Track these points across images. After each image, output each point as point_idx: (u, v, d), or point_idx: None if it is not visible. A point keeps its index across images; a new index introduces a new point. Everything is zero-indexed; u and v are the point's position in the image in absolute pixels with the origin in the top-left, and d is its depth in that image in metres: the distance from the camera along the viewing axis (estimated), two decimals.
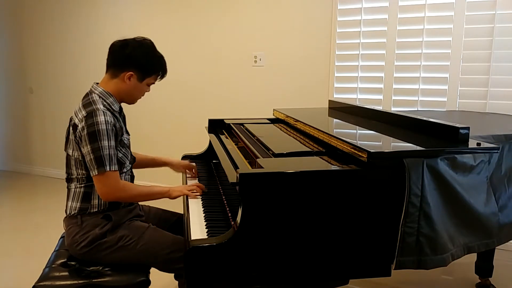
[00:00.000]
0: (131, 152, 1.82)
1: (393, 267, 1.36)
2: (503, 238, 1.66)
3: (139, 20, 3.85)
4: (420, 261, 1.35)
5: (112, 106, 1.67)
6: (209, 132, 2.24)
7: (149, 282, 1.60)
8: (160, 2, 3.75)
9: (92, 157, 1.55)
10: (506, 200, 1.65)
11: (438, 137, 1.56)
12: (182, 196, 1.84)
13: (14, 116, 4.70)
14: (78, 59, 4.18)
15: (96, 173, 1.55)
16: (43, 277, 1.55)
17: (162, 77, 1.76)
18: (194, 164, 2.15)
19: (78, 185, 1.65)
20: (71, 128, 1.64)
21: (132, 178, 1.83)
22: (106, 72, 1.71)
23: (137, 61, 1.65)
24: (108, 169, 1.55)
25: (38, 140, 4.60)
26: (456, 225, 1.43)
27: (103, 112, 1.58)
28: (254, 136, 1.88)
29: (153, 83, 1.75)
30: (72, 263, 1.64)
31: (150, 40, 1.72)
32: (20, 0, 4.38)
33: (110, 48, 1.69)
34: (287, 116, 2.18)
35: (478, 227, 1.51)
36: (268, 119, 2.40)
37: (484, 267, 2.23)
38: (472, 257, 2.13)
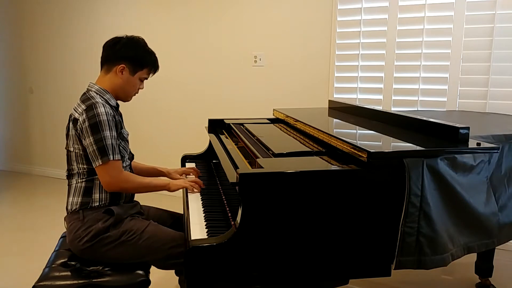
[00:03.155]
0: (130, 149, 1.84)
1: (393, 267, 1.36)
2: (503, 238, 1.66)
3: (139, 21, 3.86)
4: (420, 261, 1.35)
5: (109, 102, 1.71)
6: (209, 132, 2.24)
7: (149, 282, 1.60)
8: (160, 3, 3.75)
9: (95, 147, 1.58)
10: (506, 200, 1.65)
11: (438, 137, 1.56)
12: (182, 196, 1.85)
13: (14, 116, 4.70)
14: (78, 59, 4.18)
15: (100, 163, 1.58)
16: (43, 277, 1.55)
17: (155, 71, 1.80)
18: (190, 169, 2.07)
19: (79, 180, 1.66)
20: (71, 124, 1.67)
21: None
22: (101, 70, 1.76)
23: (128, 54, 1.70)
24: (111, 158, 1.59)
25: (38, 140, 4.60)
26: (456, 225, 1.43)
27: (103, 104, 1.62)
28: (254, 136, 1.88)
29: (146, 78, 1.78)
30: (72, 263, 1.64)
31: (141, 37, 1.77)
32: (20, 0, 4.38)
33: (103, 47, 1.75)
34: (287, 116, 2.18)
35: (478, 227, 1.51)
36: (268, 119, 2.40)
37: (484, 267, 2.23)
38: (472, 257, 2.13)
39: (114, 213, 1.63)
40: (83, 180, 1.66)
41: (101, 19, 4.03)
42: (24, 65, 4.52)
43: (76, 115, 1.64)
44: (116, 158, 1.61)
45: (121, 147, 1.70)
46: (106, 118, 1.60)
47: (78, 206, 1.65)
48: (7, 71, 4.63)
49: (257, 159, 1.46)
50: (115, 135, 1.64)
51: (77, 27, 4.16)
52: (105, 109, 1.61)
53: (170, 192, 1.81)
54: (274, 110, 2.42)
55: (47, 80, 4.42)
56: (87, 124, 1.58)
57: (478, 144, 1.45)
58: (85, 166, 1.65)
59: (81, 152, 1.64)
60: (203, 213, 1.62)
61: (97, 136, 1.58)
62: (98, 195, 1.66)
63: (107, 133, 1.59)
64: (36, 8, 4.32)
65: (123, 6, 3.91)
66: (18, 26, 4.46)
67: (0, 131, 4.80)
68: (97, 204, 1.65)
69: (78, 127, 1.61)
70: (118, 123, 1.69)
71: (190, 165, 2.29)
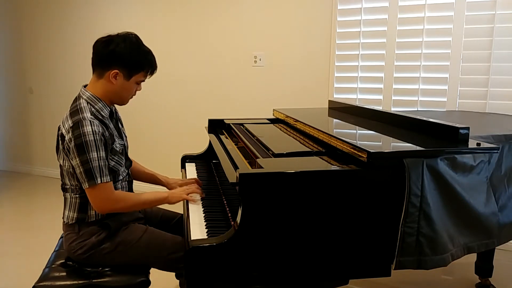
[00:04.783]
0: (127, 156, 1.76)
1: (393, 267, 1.36)
2: (503, 238, 1.67)
3: (139, 20, 3.85)
4: (420, 261, 1.35)
5: (101, 112, 1.60)
6: (209, 132, 2.24)
7: (149, 282, 1.60)
8: (160, 2, 3.75)
9: (81, 170, 1.49)
10: (506, 200, 1.66)
11: (438, 137, 1.56)
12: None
13: (14, 116, 4.70)
14: (78, 59, 4.18)
15: (87, 186, 1.50)
16: (43, 277, 1.55)
17: (152, 73, 1.66)
18: (192, 180, 1.94)
19: (73, 195, 1.61)
20: (59, 138, 1.58)
21: (130, 184, 1.78)
22: (93, 72, 1.63)
23: (121, 58, 1.56)
24: (99, 182, 1.50)
25: (38, 140, 4.60)
26: (456, 225, 1.43)
27: (90, 121, 1.50)
28: (254, 136, 1.88)
29: (143, 80, 1.65)
30: (72, 263, 1.63)
31: (135, 34, 1.62)
32: (20, 0, 4.38)
33: (93, 46, 1.61)
34: (287, 116, 2.18)
35: (478, 227, 1.51)
36: (268, 119, 2.40)
37: (484, 267, 2.23)
38: (472, 257, 2.13)
39: (110, 227, 1.60)
40: (77, 195, 1.60)
41: (101, 19, 4.03)
42: (24, 65, 4.51)
43: (64, 131, 1.54)
44: (105, 181, 1.51)
45: (113, 162, 1.61)
46: (93, 138, 1.48)
47: (74, 221, 1.61)
48: (7, 71, 4.63)
49: (257, 159, 1.46)
50: (104, 155, 1.52)
51: (77, 27, 4.16)
52: (92, 128, 1.49)
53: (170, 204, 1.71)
54: (274, 110, 2.42)
55: (47, 80, 4.42)
56: (73, 144, 1.48)
57: (478, 144, 1.45)
58: (77, 183, 1.58)
59: (71, 170, 1.56)
60: (203, 213, 1.62)
61: (83, 158, 1.48)
62: (94, 211, 1.60)
63: (94, 154, 1.48)
64: (36, 8, 4.32)
65: (123, 6, 3.91)
66: (18, 26, 4.46)
67: (0, 131, 4.80)
68: (93, 219, 1.61)
69: (65, 145, 1.53)
70: (108, 139, 1.56)
71: (190, 165, 2.29)
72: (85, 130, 1.48)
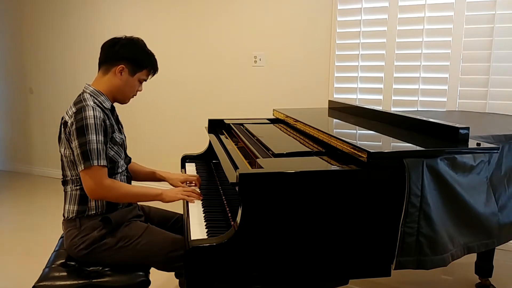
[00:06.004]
0: (126, 152, 1.80)
1: (393, 267, 1.36)
2: (503, 238, 1.67)
3: (139, 21, 3.86)
4: (420, 261, 1.35)
5: (103, 104, 1.66)
6: (209, 132, 2.24)
7: (149, 282, 1.60)
8: (160, 3, 3.75)
9: (79, 151, 1.53)
10: (506, 200, 1.66)
11: (438, 137, 1.56)
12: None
13: (14, 116, 4.70)
14: (78, 59, 4.18)
15: (83, 168, 1.52)
16: (43, 277, 1.55)
17: (154, 73, 1.77)
18: (193, 177, 1.95)
19: (73, 187, 1.63)
20: (62, 127, 1.63)
21: (128, 179, 1.80)
22: (98, 70, 1.72)
23: (128, 55, 1.67)
24: (95, 164, 1.52)
25: (38, 140, 4.60)
26: (456, 225, 1.43)
27: (93, 107, 1.57)
28: (254, 136, 1.88)
29: (145, 79, 1.75)
30: (72, 263, 1.63)
31: (140, 38, 1.74)
32: (20, 0, 4.38)
33: (101, 48, 1.72)
34: (287, 116, 2.18)
35: (478, 227, 1.51)
36: (268, 119, 2.40)
37: (484, 267, 2.23)
38: (472, 257, 2.13)
39: (111, 221, 1.61)
40: (78, 187, 1.62)
41: (101, 19, 4.03)
42: (24, 65, 4.52)
43: (67, 118, 1.60)
44: (101, 164, 1.53)
45: (113, 152, 1.65)
46: (93, 121, 1.54)
47: (74, 214, 1.62)
48: (7, 71, 4.63)
49: (257, 159, 1.46)
50: (102, 139, 1.56)
51: (77, 27, 4.16)
52: (94, 112, 1.55)
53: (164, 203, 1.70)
54: (274, 110, 2.42)
55: (47, 80, 4.42)
56: (74, 128, 1.54)
57: (478, 144, 1.45)
58: (77, 173, 1.60)
59: (72, 158, 1.59)
60: (203, 213, 1.62)
61: (82, 140, 1.52)
62: (94, 202, 1.62)
63: (93, 137, 1.53)
64: (36, 8, 4.32)
65: (124, 7, 3.91)
66: (18, 26, 4.46)
67: (0, 131, 4.80)
68: (94, 212, 1.62)
69: (67, 130, 1.58)
70: (109, 127, 1.62)
71: (190, 165, 2.29)
72: (87, 114, 1.55)
